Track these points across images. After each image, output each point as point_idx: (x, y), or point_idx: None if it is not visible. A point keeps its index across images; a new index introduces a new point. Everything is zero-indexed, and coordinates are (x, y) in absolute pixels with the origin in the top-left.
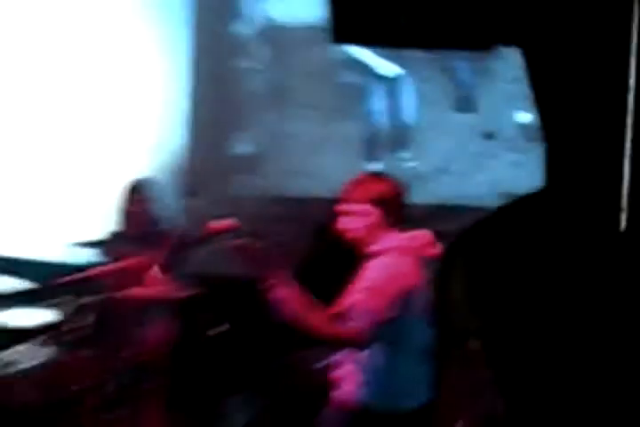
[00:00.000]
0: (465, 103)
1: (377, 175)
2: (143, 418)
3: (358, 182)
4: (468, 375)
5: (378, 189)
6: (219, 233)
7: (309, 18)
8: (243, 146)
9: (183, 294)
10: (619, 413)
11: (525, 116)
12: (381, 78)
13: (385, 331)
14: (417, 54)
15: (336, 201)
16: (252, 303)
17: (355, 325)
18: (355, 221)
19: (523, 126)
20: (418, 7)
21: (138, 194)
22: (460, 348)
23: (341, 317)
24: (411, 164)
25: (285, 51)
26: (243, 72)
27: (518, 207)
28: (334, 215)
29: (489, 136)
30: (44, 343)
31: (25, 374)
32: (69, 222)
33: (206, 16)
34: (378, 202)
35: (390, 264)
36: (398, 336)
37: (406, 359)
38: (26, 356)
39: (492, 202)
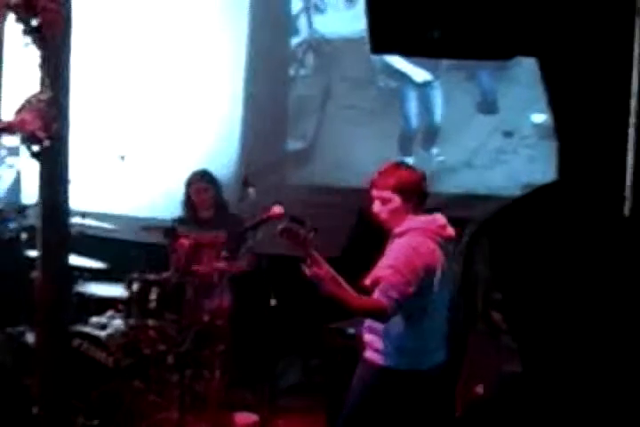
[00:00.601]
0: (487, 106)
1: (399, 165)
2: (206, 378)
3: (382, 172)
4: (489, 342)
5: (397, 177)
6: (271, 218)
7: (352, 31)
8: (294, 142)
9: (241, 269)
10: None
11: (540, 117)
12: (414, 84)
13: (406, 303)
14: (446, 63)
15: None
16: (298, 278)
17: (380, 299)
18: (380, 205)
19: (537, 126)
20: (448, 22)
21: (202, 182)
22: (483, 318)
23: (369, 288)
24: (439, 158)
25: (331, 60)
26: (294, 78)
27: (534, 196)
28: (371, 201)
29: (508, 134)
30: (119, 314)
31: (111, 337)
32: (142, 206)
33: (263, 29)
34: (397, 189)
35: (411, 245)
36: (417, 308)
37: (424, 327)
38: (109, 323)
39: (511, 192)
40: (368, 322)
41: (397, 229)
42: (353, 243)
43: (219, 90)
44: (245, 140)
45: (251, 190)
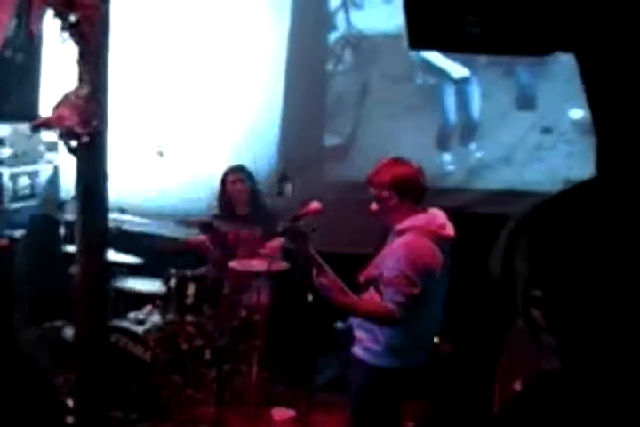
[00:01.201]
0: (525, 102)
1: (394, 161)
2: (244, 374)
3: (377, 169)
4: (528, 340)
5: (392, 174)
6: (309, 214)
7: (389, 27)
8: (331, 138)
9: (278, 266)
10: None
11: (578, 113)
12: (452, 80)
13: (413, 306)
14: (483, 59)
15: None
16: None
17: (386, 304)
18: (377, 204)
19: (576, 122)
20: (487, 18)
21: (238, 175)
22: (522, 315)
23: (362, 285)
24: (478, 154)
25: (369, 56)
26: (332, 74)
27: (573, 192)
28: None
29: (546, 130)
30: (156, 309)
31: (148, 332)
32: (180, 202)
33: (303, 25)
34: (393, 186)
35: (411, 246)
36: (415, 309)
37: (415, 328)
38: (147, 318)
39: (550, 188)
40: (358, 319)
41: (397, 227)
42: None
43: (257, 86)
44: (283, 135)
45: (288, 186)
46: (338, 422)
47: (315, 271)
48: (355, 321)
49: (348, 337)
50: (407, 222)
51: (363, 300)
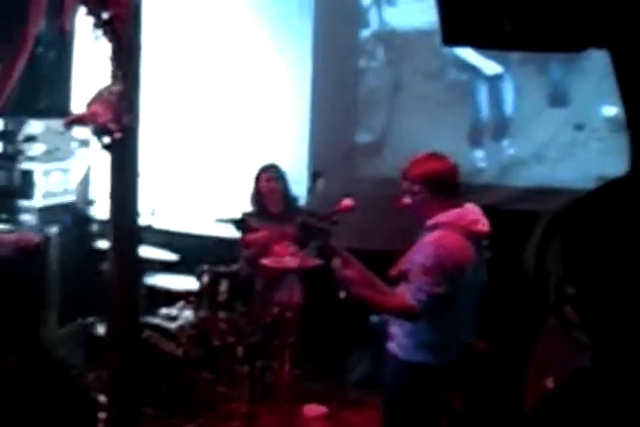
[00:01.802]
0: (558, 98)
1: (429, 156)
2: (276, 370)
3: (412, 163)
4: (561, 337)
5: (426, 169)
6: (341, 211)
7: (422, 23)
8: (363, 134)
9: (310, 263)
10: None
11: (611, 110)
12: (485, 76)
13: (434, 304)
14: (516, 55)
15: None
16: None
17: (409, 300)
18: (409, 197)
19: (609, 119)
20: (520, 14)
21: (270, 173)
22: (555, 312)
23: (394, 279)
24: (510, 151)
25: (401, 52)
26: (364, 70)
27: (607, 189)
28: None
29: (579, 127)
30: (188, 306)
31: (181, 329)
32: (212, 199)
33: (334, 21)
34: (426, 181)
35: (440, 242)
36: (443, 305)
37: (448, 324)
38: (179, 315)
39: (583, 185)
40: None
41: (428, 222)
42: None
43: (288, 83)
44: (315, 132)
45: (320, 183)
46: (370, 418)
47: (338, 264)
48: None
49: (382, 331)
50: (438, 218)
51: (386, 294)
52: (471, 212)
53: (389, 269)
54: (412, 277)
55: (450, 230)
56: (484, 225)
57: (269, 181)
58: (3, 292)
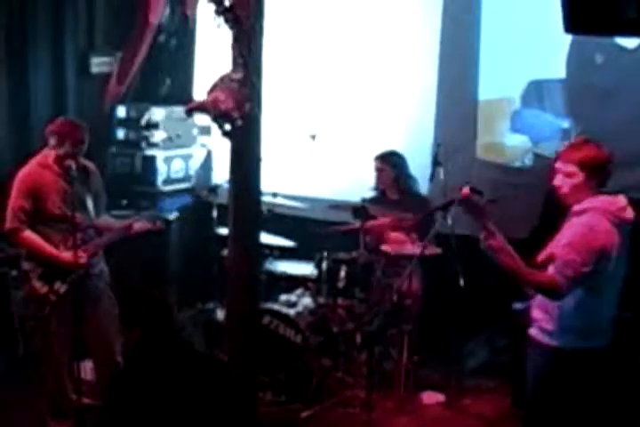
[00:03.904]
0: None
1: (588, 141)
2: (394, 357)
3: (570, 145)
4: None
5: (585, 153)
6: (461, 198)
7: None
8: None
9: (431, 250)
10: None
11: None
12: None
13: (578, 283)
14: None
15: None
16: (488, 259)
17: (554, 276)
18: (562, 178)
19: None
20: None
21: (383, 165)
22: None
23: (542, 264)
24: None
25: None
26: None
27: None
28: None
29: None
30: (307, 292)
31: (300, 315)
32: (333, 187)
33: (457, 12)
34: (582, 164)
35: (589, 225)
36: (589, 288)
37: (593, 308)
38: (298, 301)
39: None
40: (539, 299)
41: (577, 207)
42: (541, 225)
43: (412, 71)
44: (438, 119)
45: (440, 171)
46: (488, 406)
47: (483, 234)
48: (533, 302)
49: (525, 318)
50: (586, 203)
51: (530, 267)
52: (619, 199)
53: (536, 255)
54: (559, 256)
55: (599, 215)
56: (630, 213)
57: (381, 170)
58: (128, 274)
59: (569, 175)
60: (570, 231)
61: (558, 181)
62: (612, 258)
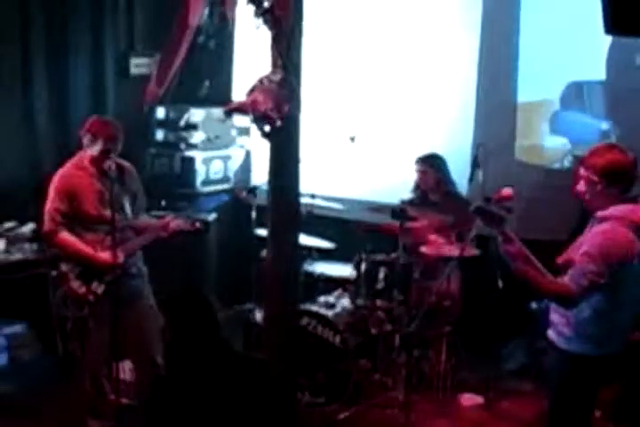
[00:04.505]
0: None
1: (612, 147)
2: (432, 359)
3: (593, 151)
4: None
5: (607, 159)
6: (501, 201)
7: None
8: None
9: (469, 252)
10: None
11: None
12: None
13: (596, 292)
14: None
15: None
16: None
17: (569, 284)
18: (584, 185)
19: None
20: None
21: (420, 165)
22: None
23: (561, 267)
24: None
25: None
26: None
27: None
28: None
29: None
30: (346, 294)
31: (339, 316)
32: (373, 189)
33: (496, 14)
34: (604, 171)
35: (611, 234)
36: (607, 297)
37: (610, 317)
38: (337, 302)
39: None
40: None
41: (599, 214)
42: (579, 227)
43: (451, 73)
44: (478, 121)
45: (479, 172)
46: (527, 409)
47: (501, 239)
48: (551, 304)
49: (542, 318)
50: (609, 211)
51: (546, 275)
52: None
53: (557, 257)
54: (577, 263)
55: (620, 224)
56: None
57: (422, 172)
58: (169, 275)
59: (590, 182)
60: (590, 239)
61: (581, 186)
62: (630, 267)
